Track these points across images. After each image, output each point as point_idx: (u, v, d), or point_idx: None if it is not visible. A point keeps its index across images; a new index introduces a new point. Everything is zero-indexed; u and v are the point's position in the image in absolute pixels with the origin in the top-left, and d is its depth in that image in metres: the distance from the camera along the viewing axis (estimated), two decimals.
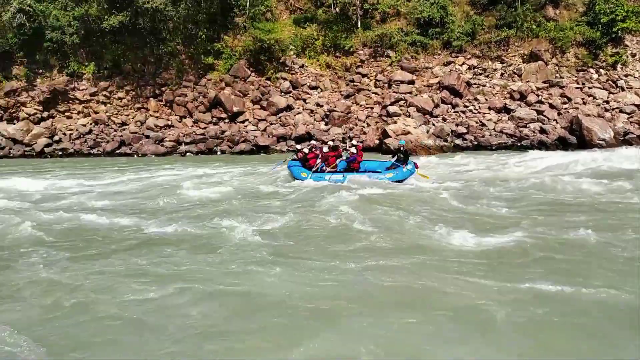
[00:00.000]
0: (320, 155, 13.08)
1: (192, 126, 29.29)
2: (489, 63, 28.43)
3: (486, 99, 26.57)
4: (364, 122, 27.47)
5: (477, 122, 25.24)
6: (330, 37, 30.53)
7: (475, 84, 27.71)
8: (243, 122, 29.00)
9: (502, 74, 27.81)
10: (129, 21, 29.19)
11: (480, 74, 28.18)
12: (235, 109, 29.00)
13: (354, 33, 30.57)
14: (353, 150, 13.32)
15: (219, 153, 27.13)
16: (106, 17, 29.03)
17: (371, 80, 29.53)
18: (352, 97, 29.12)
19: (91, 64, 30.58)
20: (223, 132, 28.47)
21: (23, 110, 30.29)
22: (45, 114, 30.46)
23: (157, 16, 29.89)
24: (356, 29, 30.75)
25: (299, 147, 13.06)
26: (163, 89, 30.23)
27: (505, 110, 25.84)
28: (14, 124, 30.00)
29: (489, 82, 27.64)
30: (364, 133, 26.34)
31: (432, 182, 12.77)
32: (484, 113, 25.73)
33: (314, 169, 12.95)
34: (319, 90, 29.74)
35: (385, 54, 29.70)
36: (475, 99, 26.75)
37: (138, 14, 29.53)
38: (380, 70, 29.53)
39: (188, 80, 30.22)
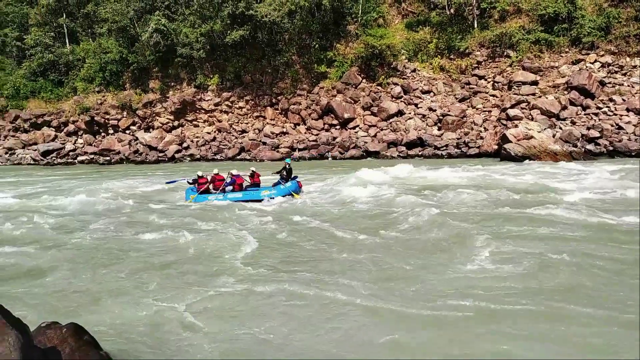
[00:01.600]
0: (208, 180, 14.88)
1: (305, 133, 31.44)
2: (626, 59, 26.47)
3: (624, 100, 24.80)
4: (480, 126, 27.26)
5: (612, 126, 23.71)
6: (444, 40, 30.77)
7: (610, 83, 26.00)
8: (354, 128, 30.44)
9: None
10: (249, 35, 32.34)
11: (616, 72, 26.35)
12: (346, 116, 30.56)
13: (470, 34, 30.44)
14: (234, 172, 15.10)
15: (330, 159, 28.76)
16: (229, 32, 32.46)
17: (489, 82, 29.15)
18: (468, 100, 29.01)
19: (215, 76, 34.35)
20: (334, 138, 30.16)
21: (157, 119, 35.04)
22: (176, 122, 34.90)
23: (274, 29, 32.72)
24: (472, 30, 30.59)
25: (199, 173, 15.11)
26: (279, 97, 32.90)
27: None
28: (150, 132, 34.85)
29: (627, 80, 25.74)
30: (481, 138, 26.15)
31: (299, 202, 13.78)
32: (621, 115, 24.06)
33: (200, 192, 14.62)
34: (431, 94, 30.11)
35: (505, 54, 29.13)
36: (611, 100, 25.10)
37: (257, 28, 32.59)
38: (499, 71, 29.02)
39: (302, 89, 32.51)
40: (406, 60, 31.45)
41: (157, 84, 35.52)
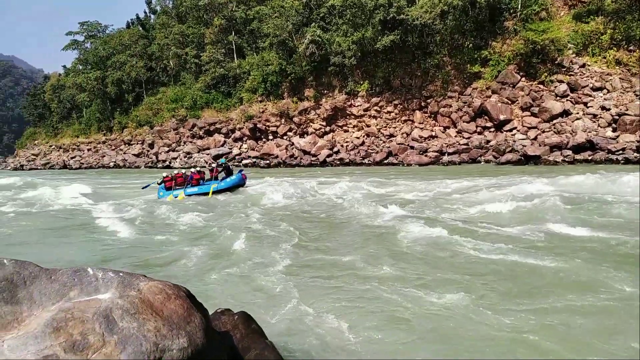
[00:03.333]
0: (172, 179, 18.63)
1: (455, 136, 31.53)
2: None
3: None
4: None
5: None
6: (621, 29, 28.07)
7: None
8: (510, 130, 29.57)
9: None
10: (399, 39, 33.67)
11: None
12: (501, 117, 29.86)
13: None
14: (193, 170, 19.15)
15: (482, 163, 28.39)
16: (379, 38, 34.23)
17: None
18: None
19: (365, 83, 36.46)
20: (488, 141, 29.68)
21: (311, 125, 38.49)
22: (327, 128, 37.91)
23: (425, 31, 33.52)
24: None
25: (164, 174, 19.00)
26: (428, 100, 33.56)
27: None
28: (304, 138, 38.44)
29: None
30: None
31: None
32: None
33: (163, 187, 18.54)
34: (604, 91, 27.73)
35: None
36: None
37: (408, 32, 33.76)
38: None
39: (453, 91, 32.67)
40: (573, 55, 29.48)
41: (312, 92, 39.01)
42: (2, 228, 12.40)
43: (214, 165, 21.54)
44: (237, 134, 41.28)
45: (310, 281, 6.81)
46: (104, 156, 54.05)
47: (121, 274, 3.46)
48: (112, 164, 51.22)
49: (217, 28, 46.51)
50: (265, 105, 40.69)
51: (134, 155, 49.63)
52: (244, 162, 38.50)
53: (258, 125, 40.19)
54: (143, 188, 20.53)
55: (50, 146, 65.96)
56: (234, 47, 46.08)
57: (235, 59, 45.57)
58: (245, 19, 46.15)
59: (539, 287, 6.05)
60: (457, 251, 7.89)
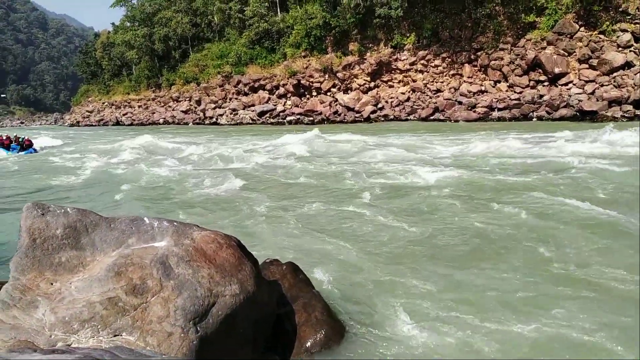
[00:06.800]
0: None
1: (506, 91, 30.15)
2: None
3: None
4: None
5: None
6: None
7: None
8: (566, 84, 27.92)
9: None
10: None
11: None
12: (557, 70, 28.18)
13: None
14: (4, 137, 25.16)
15: (535, 119, 27.21)
16: None
17: None
18: None
19: (412, 35, 35.11)
20: (541, 96, 28.22)
21: (355, 81, 37.77)
22: (372, 84, 37.10)
23: None
24: None
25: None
26: (478, 53, 32.02)
27: None
28: (348, 94, 37.87)
29: None
30: None
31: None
32: None
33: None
34: None
35: None
36: None
37: None
38: None
39: (505, 42, 30.96)
40: None
41: (356, 46, 38.01)
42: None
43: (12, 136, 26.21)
44: (281, 90, 41.16)
45: (353, 237, 6.82)
46: (154, 113, 55.56)
47: (175, 224, 3.60)
48: (161, 121, 52.67)
49: None
50: (309, 61, 40.13)
51: (182, 112, 50.71)
52: (288, 118, 38.58)
53: (302, 82, 39.85)
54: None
55: (103, 103, 68.34)
56: (277, 0, 45.23)
57: (279, 13, 44.79)
58: None
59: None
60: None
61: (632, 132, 14.85)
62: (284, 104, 40.55)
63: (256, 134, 29.34)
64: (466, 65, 32.61)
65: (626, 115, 23.82)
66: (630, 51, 26.34)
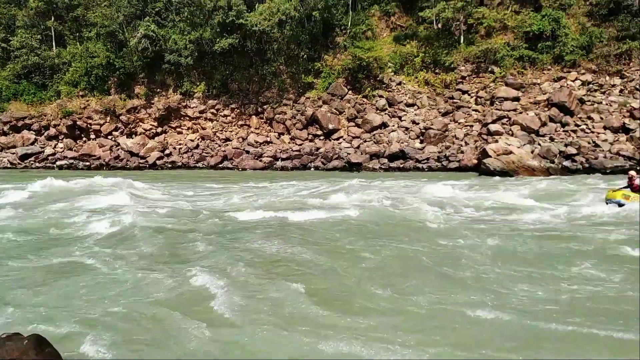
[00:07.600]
0: None
1: (289, 143, 32.34)
2: (606, 78, 27.77)
3: (601, 118, 25.95)
4: (461, 140, 28.26)
5: (589, 143, 24.76)
6: (430, 54, 32.02)
7: (589, 101, 27.19)
8: (337, 139, 31.39)
9: (621, 90, 27.02)
10: (238, 43, 33.45)
11: (596, 91, 27.61)
12: (330, 126, 31.54)
13: (456, 49, 31.71)
14: None
15: (312, 169, 29.59)
16: (218, 40, 33.54)
17: (472, 97, 30.31)
18: (451, 114, 30.11)
19: (202, 84, 35.34)
20: (318, 148, 31.05)
21: (141, 125, 35.82)
22: (159, 129, 35.69)
23: (263, 38, 33.90)
24: (458, 45, 31.86)
25: None
26: (265, 106, 33.87)
27: (624, 130, 25.04)
28: (133, 138, 35.59)
29: (606, 99, 26.96)
30: (462, 152, 27.10)
31: None
32: (598, 133, 25.16)
33: None
34: (415, 107, 31.21)
35: (489, 69, 30.36)
36: (589, 118, 26.25)
37: (246, 37, 33.74)
38: (483, 86, 30.22)
39: (288, 99, 33.54)
40: (392, 73, 32.64)
41: (143, 89, 36.39)
42: None
43: None
44: (52, 131, 36.35)
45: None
46: None
47: None
48: None
49: (33, 10, 40.69)
50: (87, 101, 36.67)
51: None
52: (59, 163, 34.07)
53: (78, 123, 35.97)
54: None
55: None
56: (53, 34, 40.78)
57: (54, 47, 40.36)
58: (68, 4, 41.19)
59: None
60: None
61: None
62: (55, 147, 35.78)
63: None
64: (253, 116, 34.10)
65: (383, 167, 27.74)
66: (385, 114, 31.20)
